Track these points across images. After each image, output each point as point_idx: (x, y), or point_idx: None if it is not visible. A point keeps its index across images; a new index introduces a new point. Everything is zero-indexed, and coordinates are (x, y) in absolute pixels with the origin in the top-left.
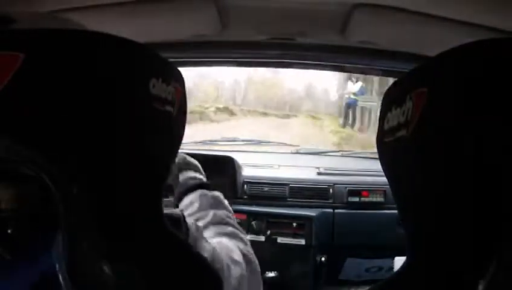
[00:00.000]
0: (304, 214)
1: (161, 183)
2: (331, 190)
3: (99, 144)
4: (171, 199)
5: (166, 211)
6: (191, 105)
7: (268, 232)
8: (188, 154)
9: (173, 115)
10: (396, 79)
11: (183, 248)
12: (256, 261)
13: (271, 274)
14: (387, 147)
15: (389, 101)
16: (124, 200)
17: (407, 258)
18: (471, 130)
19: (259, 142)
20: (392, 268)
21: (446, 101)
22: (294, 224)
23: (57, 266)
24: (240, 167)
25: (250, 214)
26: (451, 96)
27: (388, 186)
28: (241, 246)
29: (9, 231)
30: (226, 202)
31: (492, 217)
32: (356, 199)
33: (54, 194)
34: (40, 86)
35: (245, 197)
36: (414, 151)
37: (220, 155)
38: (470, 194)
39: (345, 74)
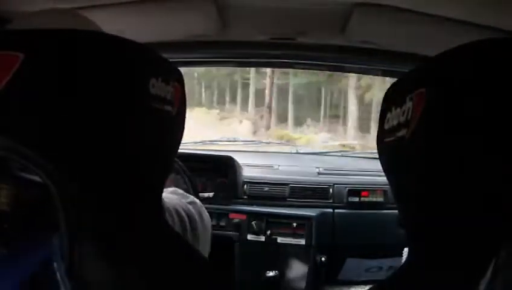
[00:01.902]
0: (304, 214)
1: (161, 183)
2: (331, 190)
3: (98, 143)
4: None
5: None
6: None
7: (269, 232)
8: (187, 154)
9: (173, 115)
10: (395, 79)
11: (184, 247)
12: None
13: (271, 273)
14: (388, 147)
15: (389, 101)
16: (123, 200)
17: (407, 257)
18: (471, 129)
19: (259, 142)
20: (393, 267)
21: (446, 101)
22: (294, 224)
23: (56, 264)
24: (240, 167)
25: (250, 214)
26: (451, 96)
27: (388, 186)
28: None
29: (6, 228)
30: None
31: (492, 217)
32: (356, 199)
33: (53, 193)
34: (40, 86)
35: (245, 197)
36: (414, 150)
37: (220, 155)
38: (469, 193)
39: None
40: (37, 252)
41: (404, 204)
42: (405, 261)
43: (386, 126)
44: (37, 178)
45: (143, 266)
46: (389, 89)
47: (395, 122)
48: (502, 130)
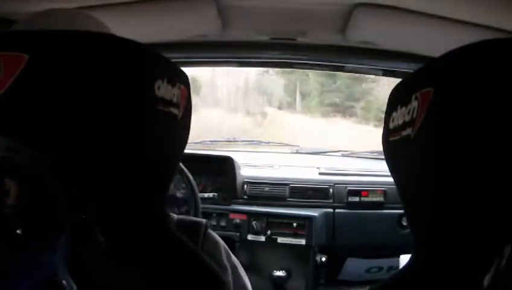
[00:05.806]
0: (304, 214)
1: (166, 185)
2: (331, 190)
3: (102, 144)
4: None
5: (190, 218)
6: None
7: (269, 232)
8: (187, 154)
9: (178, 117)
10: (395, 79)
11: (186, 249)
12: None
13: (279, 273)
14: (393, 146)
15: (395, 100)
16: (127, 201)
17: (411, 256)
18: (477, 129)
19: (259, 142)
20: (393, 268)
21: (452, 100)
22: (295, 224)
23: (60, 266)
24: (239, 167)
25: (250, 214)
26: (456, 96)
27: (388, 186)
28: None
29: (11, 230)
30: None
31: (496, 216)
32: (356, 199)
33: (56, 194)
34: (45, 87)
35: (245, 197)
36: (419, 149)
37: (220, 155)
38: (473, 193)
39: None
40: (44, 260)
41: (408, 203)
42: (409, 260)
43: (391, 125)
44: (41, 178)
45: (144, 266)
46: (394, 88)
47: (400, 121)
48: (508, 131)
